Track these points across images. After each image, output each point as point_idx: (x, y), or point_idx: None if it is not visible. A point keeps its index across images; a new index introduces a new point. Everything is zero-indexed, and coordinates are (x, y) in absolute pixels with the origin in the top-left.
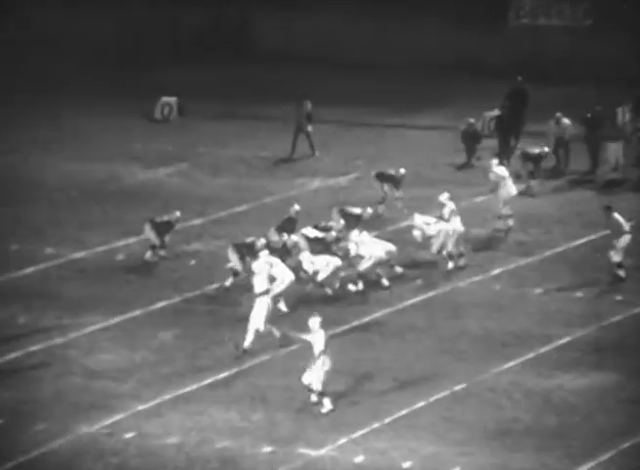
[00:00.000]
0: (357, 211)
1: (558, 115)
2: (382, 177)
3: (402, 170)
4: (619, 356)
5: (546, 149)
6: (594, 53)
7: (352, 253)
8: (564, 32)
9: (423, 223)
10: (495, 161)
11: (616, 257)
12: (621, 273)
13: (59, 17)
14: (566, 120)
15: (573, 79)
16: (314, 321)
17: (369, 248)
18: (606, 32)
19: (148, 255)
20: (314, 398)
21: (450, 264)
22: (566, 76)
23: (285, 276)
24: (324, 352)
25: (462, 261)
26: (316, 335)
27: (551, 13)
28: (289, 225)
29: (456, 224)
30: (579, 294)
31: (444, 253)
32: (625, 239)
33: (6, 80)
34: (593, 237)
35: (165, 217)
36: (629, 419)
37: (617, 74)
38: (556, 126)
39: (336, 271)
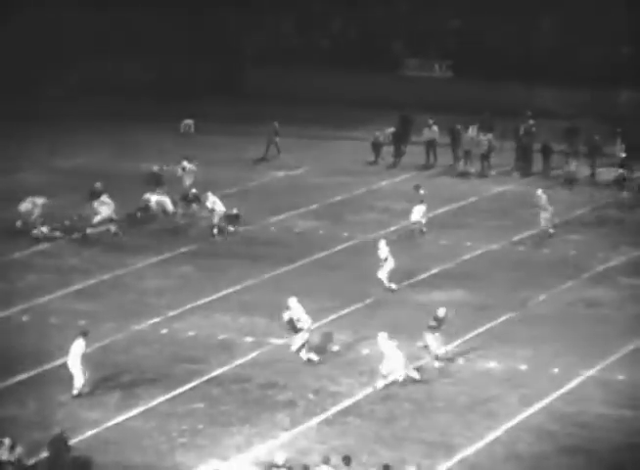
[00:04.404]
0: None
1: (430, 121)
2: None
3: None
4: (469, 280)
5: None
6: (454, 93)
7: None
8: (435, 80)
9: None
10: (540, 190)
11: (414, 216)
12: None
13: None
14: (435, 128)
15: (441, 110)
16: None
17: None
18: (462, 81)
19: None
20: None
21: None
22: (436, 108)
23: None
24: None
25: None
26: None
27: (426, 68)
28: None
29: None
30: (443, 242)
31: None
32: (421, 208)
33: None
34: (449, 207)
35: None
36: (472, 318)
37: (470, 108)
38: (429, 131)
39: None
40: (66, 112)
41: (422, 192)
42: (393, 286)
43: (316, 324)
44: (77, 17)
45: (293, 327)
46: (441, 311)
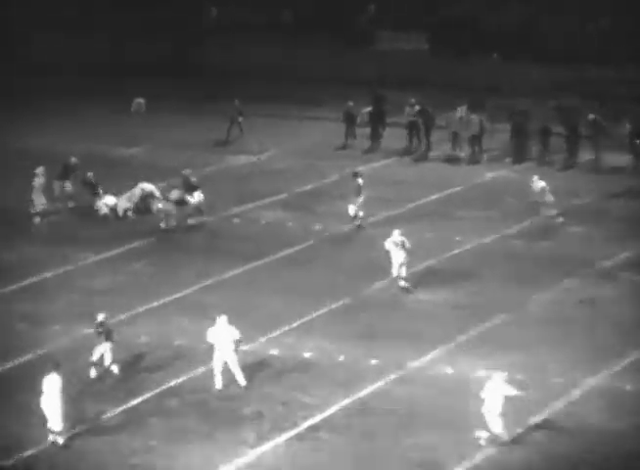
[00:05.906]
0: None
1: (412, 100)
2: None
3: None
4: (457, 277)
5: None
6: (432, 67)
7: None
8: (410, 53)
9: None
10: (536, 176)
11: (350, 210)
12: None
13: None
14: (417, 107)
15: (417, 86)
16: None
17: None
18: (438, 53)
19: None
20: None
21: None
22: (412, 85)
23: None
24: None
25: None
26: None
27: (402, 40)
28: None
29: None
30: (429, 235)
31: None
32: (361, 199)
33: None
34: (436, 196)
35: None
36: (460, 320)
37: (449, 82)
38: (410, 109)
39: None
40: (16, 89)
41: (360, 181)
42: (402, 283)
43: (285, 328)
44: None
45: (98, 333)
46: None
